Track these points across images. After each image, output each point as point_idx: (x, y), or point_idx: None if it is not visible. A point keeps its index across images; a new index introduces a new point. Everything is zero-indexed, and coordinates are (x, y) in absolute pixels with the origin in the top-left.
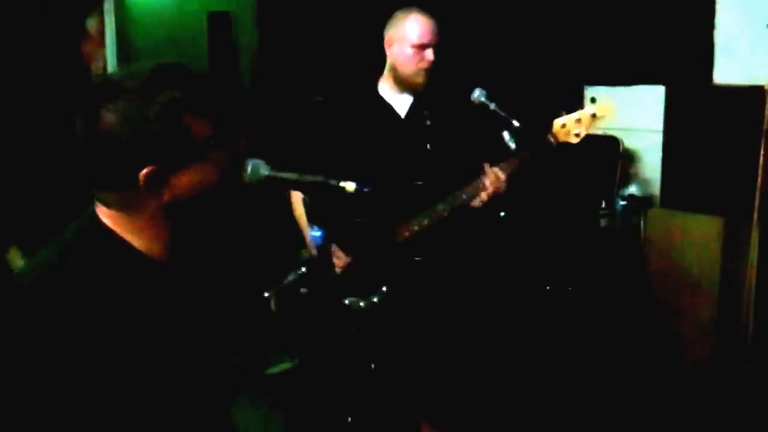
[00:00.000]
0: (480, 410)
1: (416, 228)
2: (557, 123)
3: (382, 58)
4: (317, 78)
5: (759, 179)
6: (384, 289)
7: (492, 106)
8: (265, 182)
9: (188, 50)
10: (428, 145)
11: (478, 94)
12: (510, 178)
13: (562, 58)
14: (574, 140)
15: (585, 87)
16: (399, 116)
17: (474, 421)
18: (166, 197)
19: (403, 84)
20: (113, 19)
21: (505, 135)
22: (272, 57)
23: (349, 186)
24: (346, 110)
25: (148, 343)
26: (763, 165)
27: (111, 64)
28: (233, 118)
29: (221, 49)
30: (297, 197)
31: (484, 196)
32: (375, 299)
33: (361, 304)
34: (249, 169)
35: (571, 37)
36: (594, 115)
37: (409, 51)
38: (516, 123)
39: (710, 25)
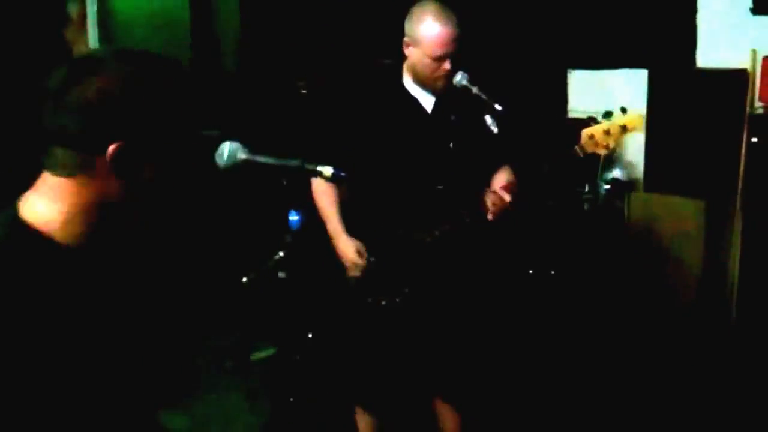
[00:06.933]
0: (490, 386)
1: (438, 233)
2: (585, 133)
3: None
4: (309, 61)
5: (742, 162)
6: (406, 290)
7: (474, 89)
8: (243, 166)
9: (171, 34)
10: (451, 144)
11: (459, 78)
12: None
13: (545, 41)
14: (603, 152)
15: (568, 70)
16: (426, 111)
17: (485, 395)
18: (124, 178)
19: (423, 84)
20: (95, 4)
21: (488, 119)
22: (255, 39)
23: (327, 171)
24: (373, 101)
25: (71, 339)
26: (746, 148)
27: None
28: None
29: (203, 32)
30: (319, 185)
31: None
32: (397, 299)
33: (384, 303)
34: (226, 152)
35: (555, 20)
36: (624, 127)
37: (426, 60)
38: (498, 107)
39: (693, 9)
